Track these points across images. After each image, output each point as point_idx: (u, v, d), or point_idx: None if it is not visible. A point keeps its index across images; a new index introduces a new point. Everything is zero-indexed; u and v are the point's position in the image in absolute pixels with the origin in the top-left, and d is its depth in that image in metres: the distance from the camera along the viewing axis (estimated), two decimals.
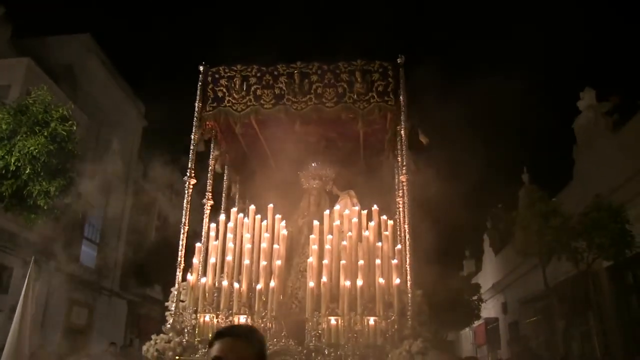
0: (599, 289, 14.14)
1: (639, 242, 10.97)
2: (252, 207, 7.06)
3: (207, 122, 7.24)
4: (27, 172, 8.53)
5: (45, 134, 8.70)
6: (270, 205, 6.94)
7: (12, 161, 8.40)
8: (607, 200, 11.66)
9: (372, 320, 5.86)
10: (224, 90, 7.05)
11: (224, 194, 8.09)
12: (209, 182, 7.28)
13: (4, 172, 8.53)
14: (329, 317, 5.82)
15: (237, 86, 6.97)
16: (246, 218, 6.94)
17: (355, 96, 6.76)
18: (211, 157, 7.46)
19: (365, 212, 6.87)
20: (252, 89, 6.98)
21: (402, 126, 6.68)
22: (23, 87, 14.72)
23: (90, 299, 19.16)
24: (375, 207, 6.84)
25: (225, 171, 8.20)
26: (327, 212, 6.95)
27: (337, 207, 7.12)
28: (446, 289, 18.51)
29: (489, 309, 23.92)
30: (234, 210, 7.17)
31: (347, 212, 6.91)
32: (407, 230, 6.37)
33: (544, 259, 12.75)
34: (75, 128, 9.39)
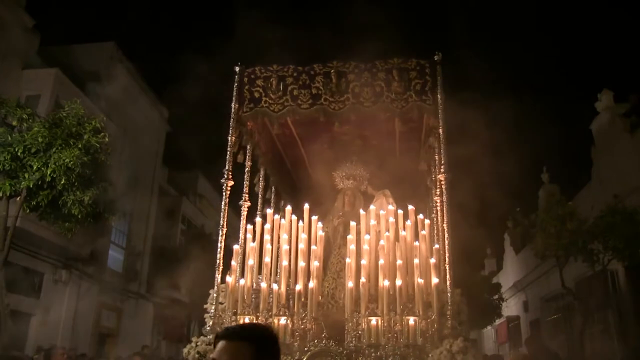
0: (618, 288, 14.23)
1: None
2: (289, 208, 6.90)
3: (248, 123, 7.14)
4: (62, 182, 8.65)
5: (79, 145, 8.82)
6: (307, 206, 6.82)
7: (48, 172, 8.51)
8: (621, 204, 11.84)
9: (411, 320, 5.72)
10: (261, 90, 6.90)
11: (259, 195, 7.98)
12: (245, 184, 7.14)
13: (40, 182, 8.64)
14: (369, 318, 5.71)
15: (273, 86, 6.83)
16: (282, 219, 6.83)
17: (393, 95, 6.59)
18: (247, 158, 7.30)
19: (401, 211, 6.74)
20: (289, 89, 6.84)
21: (440, 124, 6.55)
22: (52, 97, 15.02)
23: (118, 302, 19.25)
24: (411, 207, 6.72)
25: (261, 172, 8.05)
26: (362, 212, 6.83)
27: (372, 207, 6.99)
28: (467, 288, 18.39)
29: (511, 307, 23.80)
30: (269, 211, 7.06)
31: (383, 212, 6.79)
32: (446, 230, 6.25)
33: (561, 260, 12.96)
34: (107, 139, 9.51)
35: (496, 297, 21.65)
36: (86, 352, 15.66)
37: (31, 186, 8.65)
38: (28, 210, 9.33)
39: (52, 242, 14.23)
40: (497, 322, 23.80)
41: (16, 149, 8.55)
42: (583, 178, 17.06)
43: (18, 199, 8.90)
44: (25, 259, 14.23)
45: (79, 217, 9.27)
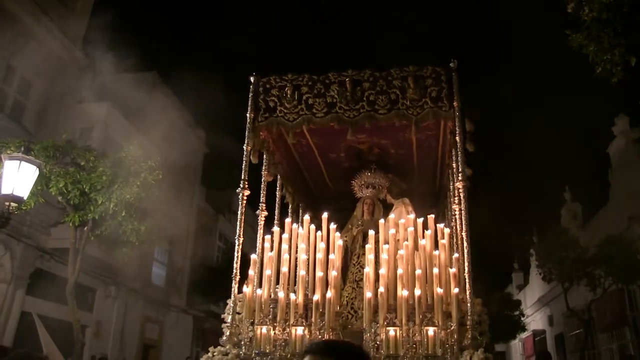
0: (635, 306, 13.96)
1: None
2: (307, 217, 6.38)
3: (260, 133, 6.66)
4: (122, 214, 9.10)
5: (138, 183, 9.21)
6: (325, 215, 6.28)
7: (111, 206, 8.96)
8: (619, 234, 12.27)
9: (431, 331, 5.14)
10: (276, 100, 6.37)
11: (277, 205, 7.45)
12: (262, 193, 6.58)
13: (103, 214, 9.12)
14: (387, 328, 5.15)
15: (288, 95, 6.30)
16: (300, 228, 6.32)
17: (408, 102, 6.01)
18: (264, 168, 6.78)
19: (420, 220, 6.16)
20: (304, 97, 6.29)
21: (457, 132, 5.94)
22: (104, 129, 15.33)
23: (160, 315, 19.05)
24: (431, 215, 6.15)
25: (279, 182, 7.51)
26: (382, 220, 6.26)
27: (392, 215, 6.43)
28: (490, 302, 17.77)
29: (537, 321, 23.16)
30: (288, 220, 6.54)
31: (402, 220, 6.23)
32: (465, 238, 5.64)
33: (565, 285, 13.59)
34: (161, 177, 9.88)
35: (517, 313, 20.93)
36: None
37: (96, 217, 9.13)
38: (92, 238, 9.69)
39: (102, 260, 14.03)
40: (524, 335, 22.97)
41: (84, 186, 9.01)
42: (604, 197, 16.46)
43: (85, 228, 9.38)
44: (81, 276, 14.06)
45: (136, 243, 9.74)
